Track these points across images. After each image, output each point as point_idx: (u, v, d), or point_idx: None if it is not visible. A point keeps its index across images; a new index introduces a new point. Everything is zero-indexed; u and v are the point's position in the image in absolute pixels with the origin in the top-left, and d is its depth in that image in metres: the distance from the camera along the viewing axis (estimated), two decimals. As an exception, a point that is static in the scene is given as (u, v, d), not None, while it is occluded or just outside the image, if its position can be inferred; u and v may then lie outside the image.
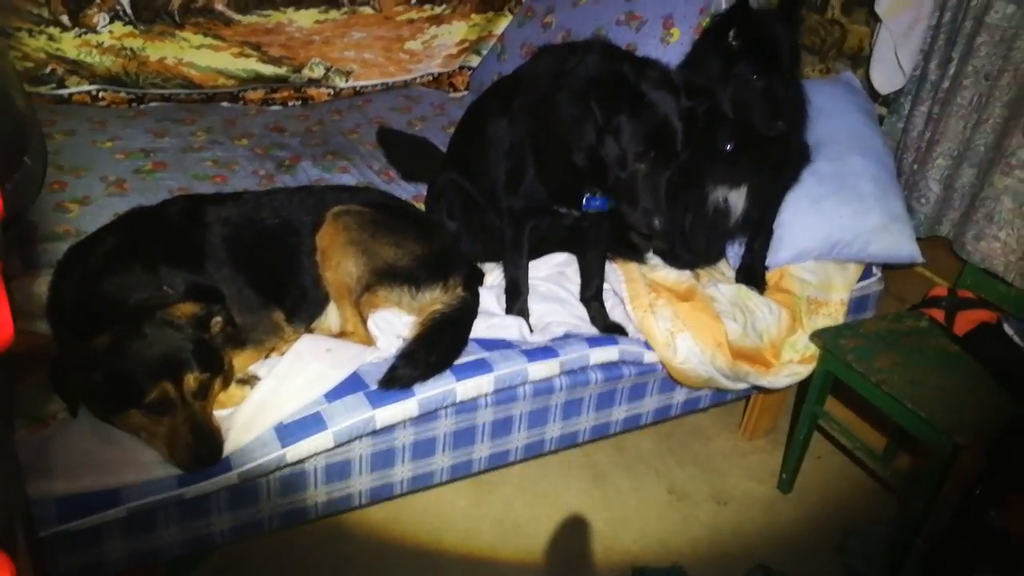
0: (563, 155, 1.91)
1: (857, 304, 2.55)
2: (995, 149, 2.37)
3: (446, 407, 1.93)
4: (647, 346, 2.16)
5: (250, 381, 1.80)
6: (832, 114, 2.48)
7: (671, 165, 1.86)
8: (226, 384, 1.74)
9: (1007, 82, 2.33)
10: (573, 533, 2.33)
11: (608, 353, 2.10)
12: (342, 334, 2.00)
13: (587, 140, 1.85)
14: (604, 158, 1.84)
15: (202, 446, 1.59)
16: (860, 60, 2.83)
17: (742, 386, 2.32)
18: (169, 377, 1.57)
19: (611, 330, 2.22)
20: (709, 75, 2.09)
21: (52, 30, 2.82)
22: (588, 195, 2.00)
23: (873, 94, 2.77)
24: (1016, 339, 2.34)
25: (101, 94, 3.00)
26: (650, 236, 2.28)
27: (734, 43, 2.06)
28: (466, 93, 3.61)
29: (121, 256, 1.77)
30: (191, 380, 1.60)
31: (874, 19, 2.66)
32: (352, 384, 1.84)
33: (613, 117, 1.80)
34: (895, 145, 2.71)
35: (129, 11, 2.90)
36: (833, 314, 2.41)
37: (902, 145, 2.69)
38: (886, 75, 2.67)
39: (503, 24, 3.54)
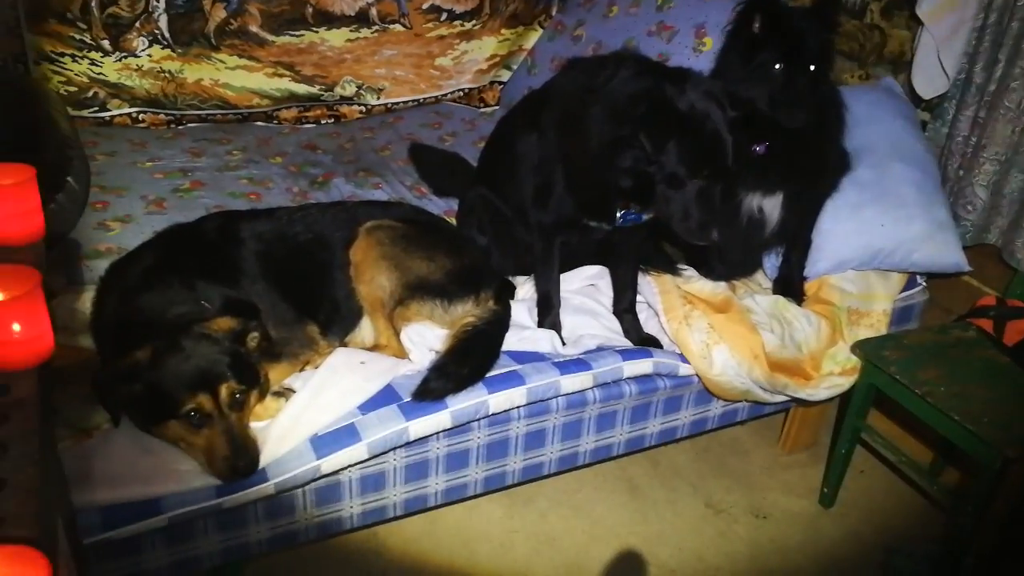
0: (595, 171, 1.88)
1: (900, 315, 2.48)
2: (1044, 153, 2.30)
3: (479, 419, 1.92)
4: (682, 358, 2.13)
5: (285, 394, 1.82)
6: (872, 121, 2.43)
7: (723, 178, 1.83)
8: (262, 397, 1.76)
9: (1056, 84, 2.27)
10: (608, 547, 2.30)
11: (642, 366, 2.08)
12: (376, 347, 2.01)
13: (628, 162, 1.79)
14: (650, 177, 1.79)
15: (239, 457, 1.61)
16: (901, 65, 2.77)
17: (780, 399, 2.27)
18: (205, 389, 1.60)
19: (645, 342, 2.19)
20: (731, 66, 2.05)
21: (94, 55, 2.91)
22: (623, 210, 1.98)
23: (915, 99, 2.71)
24: (1069, 349, 2.25)
25: (141, 116, 3.08)
26: (704, 247, 2.23)
27: (757, 31, 2.03)
28: (497, 108, 3.63)
29: (160, 272, 1.81)
30: (227, 392, 1.62)
31: (915, 23, 2.60)
32: (386, 396, 1.85)
33: (664, 145, 1.74)
34: (939, 151, 2.64)
35: (167, 35, 2.98)
36: (875, 325, 2.35)
37: (946, 151, 2.62)
38: (929, 80, 2.61)
39: (533, 38, 3.55)
